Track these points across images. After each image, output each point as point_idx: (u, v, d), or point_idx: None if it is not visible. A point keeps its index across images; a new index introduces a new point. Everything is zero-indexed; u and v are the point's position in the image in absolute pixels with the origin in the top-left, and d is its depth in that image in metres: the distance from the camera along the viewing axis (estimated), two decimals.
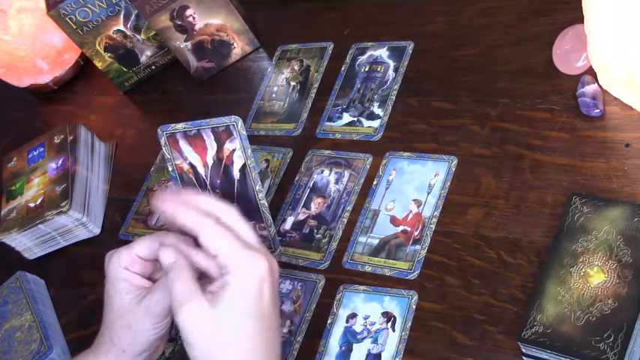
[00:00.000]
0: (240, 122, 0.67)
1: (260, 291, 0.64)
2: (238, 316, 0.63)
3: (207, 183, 0.70)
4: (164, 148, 0.70)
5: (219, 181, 0.70)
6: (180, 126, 0.70)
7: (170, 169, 0.70)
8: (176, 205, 0.67)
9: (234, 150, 0.70)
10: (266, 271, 0.64)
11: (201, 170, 0.70)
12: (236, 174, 0.69)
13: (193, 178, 0.70)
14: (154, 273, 0.76)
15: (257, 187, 0.69)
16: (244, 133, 0.68)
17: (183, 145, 0.70)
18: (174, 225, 0.68)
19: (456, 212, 0.79)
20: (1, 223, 1.02)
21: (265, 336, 0.64)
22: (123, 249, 0.75)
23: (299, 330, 0.78)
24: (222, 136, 0.70)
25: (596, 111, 0.77)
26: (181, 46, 1.07)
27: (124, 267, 0.73)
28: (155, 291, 0.73)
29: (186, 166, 0.71)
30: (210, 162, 0.70)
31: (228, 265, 0.64)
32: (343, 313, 0.78)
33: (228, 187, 0.70)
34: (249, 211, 0.70)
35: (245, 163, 0.68)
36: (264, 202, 0.70)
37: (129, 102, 1.18)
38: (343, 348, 0.75)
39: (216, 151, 0.70)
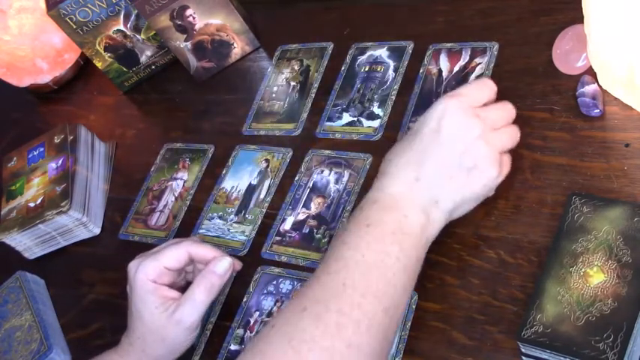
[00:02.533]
0: (496, 46, 0.88)
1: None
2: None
3: (444, 84, 0.88)
4: (426, 58, 0.92)
5: (453, 83, 0.88)
6: (448, 45, 0.91)
7: (421, 71, 0.91)
8: None
9: (479, 63, 0.87)
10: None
11: (445, 74, 0.89)
12: (470, 79, 0.87)
13: (434, 79, 0.90)
14: (179, 279, 0.76)
15: None
16: (495, 54, 0.87)
17: (442, 56, 0.91)
18: None
19: None
20: (1, 222, 1.02)
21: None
22: (149, 260, 0.74)
23: None
24: (476, 53, 0.89)
25: (596, 111, 0.77)
26: (181, 46, 1.07)
27: (151, 279, 0.73)
28: (184, 303, 0.73)
29: (434, 70, 0.90)
30: (456, 69, 0.88)
31: None
32: None
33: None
34: None
35: (482, 74, 0.87)
36: None
37: (129, 102, 1.18)
38: None
39: (465, 63, 0.88)
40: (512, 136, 0.73)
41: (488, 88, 0.74)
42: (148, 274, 0.73)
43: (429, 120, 0.70)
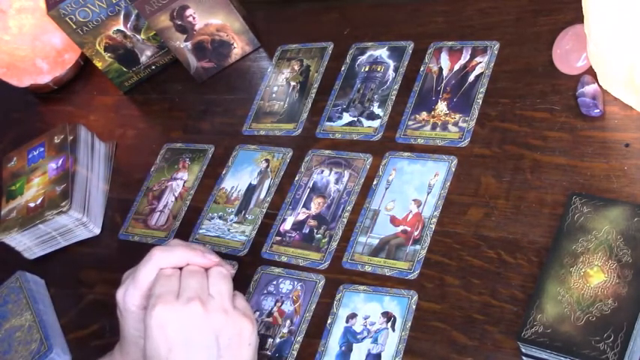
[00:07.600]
0: (497, 45, 0.88)
1: None
2: None
3: (444, 83, 0.89)
4: (427, 56, 0.92)
5: (453, 82, 0.88)
6: (449, 43, 0.91)
7: (422, 69, 0.91)
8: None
9: (479, 62, 0.88)
10: None
11: (445, 73, 0.89)
12: (470, 78, 0.87)
13: (434, 77, 0.90)
14: None
15: (481, 89, 0.85)
16: (496, 53, 0.87)
17: (443, 54, 0.91)
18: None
19: (456, 212, 0.79)
20: (1, 223, 1.02)
21: None
22: (131, 288, 0.71)
23: (299, 330, 0.79)
24: (477, 52, 0.89)
25: (596, 111, 0.77)
26: (181, 46, 1.07)
27: (141, 307, 0.71)
28: None
29: (435, 68, 0.90)
30: (456, 67, 0.89)
31: None
32: (343, 313, 0.78)
33: (457, 87, 0.87)
34: (464, 106, 0.86)
35: (482, 73, 0.86)
36: (479, 102, 0.84)
37: (129, 102, 1.18)
38: (343, 348, 0.75)
39: (466, 62, 0.89)
40: (218, 279, 0.71)
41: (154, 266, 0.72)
42: (135, 304, 0.72)
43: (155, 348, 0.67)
